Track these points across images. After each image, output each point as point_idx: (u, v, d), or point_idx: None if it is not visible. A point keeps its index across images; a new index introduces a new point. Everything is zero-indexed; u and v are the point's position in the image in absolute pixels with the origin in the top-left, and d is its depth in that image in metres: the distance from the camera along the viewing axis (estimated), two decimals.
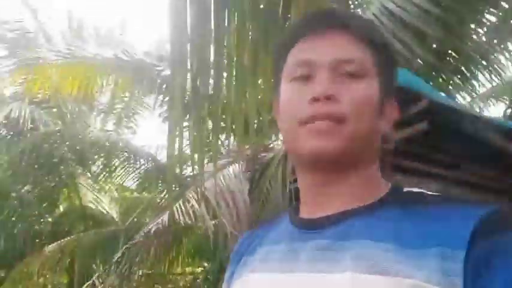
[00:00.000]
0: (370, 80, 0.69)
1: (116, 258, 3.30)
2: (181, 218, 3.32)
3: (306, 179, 0.72)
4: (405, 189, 0.71)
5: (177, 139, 1.83)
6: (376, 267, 0.59)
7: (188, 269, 7.20)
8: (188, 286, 7.19)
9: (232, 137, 3.09)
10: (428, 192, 0.70)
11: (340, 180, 0.69)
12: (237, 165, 3.35)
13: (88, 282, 3.65)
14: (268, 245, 0.74)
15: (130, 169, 6.42)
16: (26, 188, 7.23)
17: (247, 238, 0.83)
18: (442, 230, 0.60)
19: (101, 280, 4.54)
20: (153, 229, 3.50)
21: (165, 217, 3.56)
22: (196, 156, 2.10)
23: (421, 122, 2.32)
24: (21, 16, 7.10)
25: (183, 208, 3.36)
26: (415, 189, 0.71)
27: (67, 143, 6.23)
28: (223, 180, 3.25)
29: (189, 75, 1.87)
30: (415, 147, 2.54)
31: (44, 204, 7.28)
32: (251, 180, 3.31)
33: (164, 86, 5.04)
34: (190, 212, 3.35)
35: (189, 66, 1.91)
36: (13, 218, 7.16)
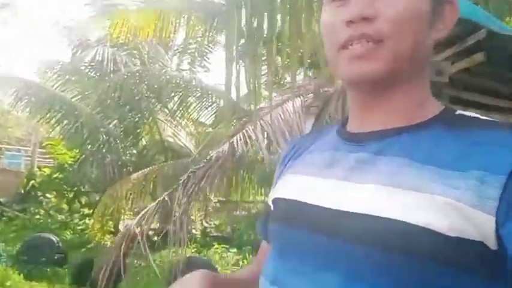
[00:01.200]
0: None
1: (182, 180, 3.68)
2: (239, 147, 3.56)
3: (353, 97, 0.72)
4: (457, 112, 0.68)
5: (234, 75, 1.95)
6: (407, 183, 0.59)
7: (259, 198, 7.66)
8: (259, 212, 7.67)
9: (293, 72, 3.19)
10: (484, 118, 0.66)
11: (384, 99, 0.67)
12: (297, 100, 3.48)
13: (159, 198, 4.08)
14: (313, 151, 0.77)
15: (204, 106, 6.80)
16: (113, 123, 7.96)
17: (295, 144, 0.85)
18: (486, 154, 0.58)
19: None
20: (214, 156, 3.82)
21: (226, 146, 3.88)
22: (252, 87, 2.21)
23: (479, 52, 2.28)
24: None
25: (242, 139, 3.61)
26: (470, 114, 0.68)
27: (146, 82, 6.70)
28: (282, 115, 3.41)
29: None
30: (473, 78, 2.51)
31: (129, 138, 7.95)
32: (318, 115, 3.40)
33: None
34: (249, 142, 3.59)
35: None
36: (103, 150, 7.99)
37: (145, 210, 4.08)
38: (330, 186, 0.66)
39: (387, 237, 0.57)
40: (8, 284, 5.83)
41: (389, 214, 0.57)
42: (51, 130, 8.95)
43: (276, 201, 0.76)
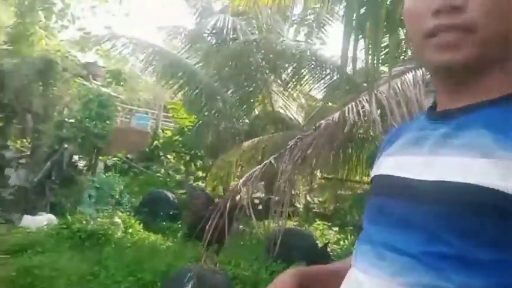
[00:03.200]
0: None
1: (290, 145, 3.61)
2: (351, 117, 3.39)
3: (440, 81, 0.73)
4: None
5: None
6: (488, 154, 0.61)
7: (366, 179, 7.40)
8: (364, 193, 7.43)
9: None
10: None
11: (474, 81, 0.68)
12: (417, 72, 3.19)
13: (266, 161, 4.09)
14: (403, 136, 0.80)
15: (317, 78, 6.66)
16: (229, 92, 8.24)
17: (392, 135, 0.89)
18: None
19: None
20: (323, 124, 3.67)
21: (336, 115, 3.69)
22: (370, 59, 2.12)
23: None
24: None
25: (354, 108, 3.43)
26: None
27: (262, 51, 6.75)
28: (400, 86, 3.15)
29: None
30: None
31: (243, 107, 8.18)
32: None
33: None
34: (361, 113, 3.39)
35: None
36: (219, 117, 8.34)
37: (252, 171, 4.13)
38: (416, 161, 0.70)
39: (463, 200, 0.61)
40: (129, 231, 6.52)
41: (468, 179, 0.61)
42: (174, 95, 9.56)
43: (375, 178, 0.83)
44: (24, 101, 7.86)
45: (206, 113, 8.37)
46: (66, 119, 8.31)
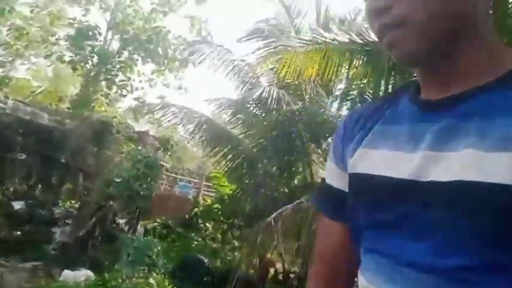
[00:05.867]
0: None
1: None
2: None
3: (417, 72, 0.72)
4: None
5: None
6: (498, 145, 0.57)
7: None
8: None
9: None
10: None
11: (446, 66, 0.67)
12: None
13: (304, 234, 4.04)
14: (388, 124, 0.74)
15: None
16: (269, 160, 8.39)
17: (359, 115, 0.83)
18: None
19: None
20: None
21: None
22: None
23: None
24: (276, 14, 8.37)
25: None
26: None
27: (304, 121, 6.97)
28: None
29: None
30: None
31: (283, 176, 8.26)
32: None
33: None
34: None
35: None
36: (258, 186, 8.41)
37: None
38: (420, 158, 0.64)
39: (486, 203, 0.55)
40: None
41: (488, 178, 0.55)
42: (217, 164, 9.84)
43: (360, 176, 0.74)
44: (79, 161, 8.37)
45: (246, 182, 8.50)
46: (114, 179, 8.72)
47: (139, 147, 9.53)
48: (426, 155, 0.63)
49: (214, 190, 12.50)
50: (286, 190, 8.41)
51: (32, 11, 13.47)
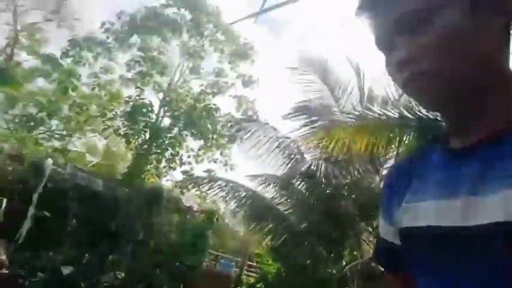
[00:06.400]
0: (441, 19, 0.67)
1: None
2: None
3: (444, 118, 0.76)
4: None
5: None
6: None
7: None
8: None
9: None
10: None
11: (471, 113, 0.70)
12: None
13: None
14: (424, 175, 0.77)
15: None
16: (316, 238, 8.11)
17: (400, 172, 0.87)
18: None
19: None
20: None
21: None
22: None
23: None
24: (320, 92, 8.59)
25: None
26: None
27: (352, 196, 6.80)
28: None
29: None
30: None
31: (331, 255, 7.91)
32: None
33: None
34: None
35: None
36: (304, 266, 8.07)
37: None
38: (455, 205, 0.67)
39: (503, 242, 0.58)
40: None
41: None
42: (261, 241, 9.63)
43: (410, 230, 0.77)
44: (128, 228, 8.46)
45: (291, 261, 8.20)
46: (162, 248, 8.68)
47: (188, 217, 9.56)
48: (464, 201, 0.65)
49: (257, 268, 12.12)
50: (333, 271, 8.00)
51: (92, 89, 14.63)
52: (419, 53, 0.67)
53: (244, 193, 8.87)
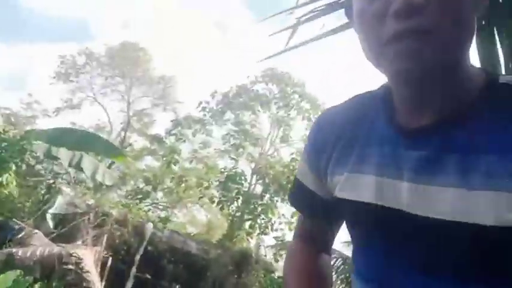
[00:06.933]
0: None
1: None
2: None
3: (399, 91, 0.68)
4: (502, 81, 0.64)
5: None
6: (482, 182, 0.58)
7: None
8: None
9: None
10: None
11: (433, 90, 0.64)
12: None
13: None
14: (369, 146, 0.72)
15: None
16: None
17: (333, 118, 0.81)
18: None
19: None
20: None
21: None
22: None
23: None
24: None
25: None
26: None
27: None
28: None
29: None
30: None
31: None
32: None
33: None
34: None
35: None
36: None
37: None
38: (403, 189, 0.65)
39: (485, 244, 0.58)
40: None
41: (479, 219, 0.57)
42: None
43: (348, 203, 0.74)
44: None
45: None
46: None
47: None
48: (412, 187, 0.64)
49: None
50: None
51: (190, 162, 15.83)
52: (425, 1, 0.58)
53: (340, 261, 8.59)
